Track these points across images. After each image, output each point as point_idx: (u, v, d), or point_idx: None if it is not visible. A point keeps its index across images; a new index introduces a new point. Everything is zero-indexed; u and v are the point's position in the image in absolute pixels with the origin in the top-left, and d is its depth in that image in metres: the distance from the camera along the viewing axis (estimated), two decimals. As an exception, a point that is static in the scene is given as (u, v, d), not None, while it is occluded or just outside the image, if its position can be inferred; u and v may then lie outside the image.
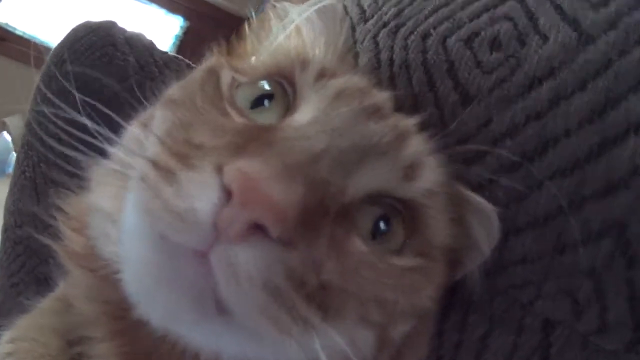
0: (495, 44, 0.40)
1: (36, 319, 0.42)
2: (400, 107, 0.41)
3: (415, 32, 0.45)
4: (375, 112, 0.36)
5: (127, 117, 0.38)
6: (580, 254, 0.35)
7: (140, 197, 0.29)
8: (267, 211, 0.26)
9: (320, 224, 0.29)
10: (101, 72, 0.57)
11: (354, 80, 0.39)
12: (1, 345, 0.39)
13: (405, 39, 0.45)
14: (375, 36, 0.47)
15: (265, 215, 0.26)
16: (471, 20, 0.42)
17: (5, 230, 0.66)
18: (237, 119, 0.35)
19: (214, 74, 0.39)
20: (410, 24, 0.46)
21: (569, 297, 0.36)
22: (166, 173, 0.29)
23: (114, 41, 0.62)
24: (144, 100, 0.41)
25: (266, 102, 0.37)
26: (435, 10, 0.45)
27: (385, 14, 0.48)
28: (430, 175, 0.35)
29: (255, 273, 0.27)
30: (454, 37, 0.42)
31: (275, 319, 0.28)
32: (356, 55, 0.46)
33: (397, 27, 0.46)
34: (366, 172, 0.33)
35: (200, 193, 0.27)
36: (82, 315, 0.38)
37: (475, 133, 0.39)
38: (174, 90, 0.40)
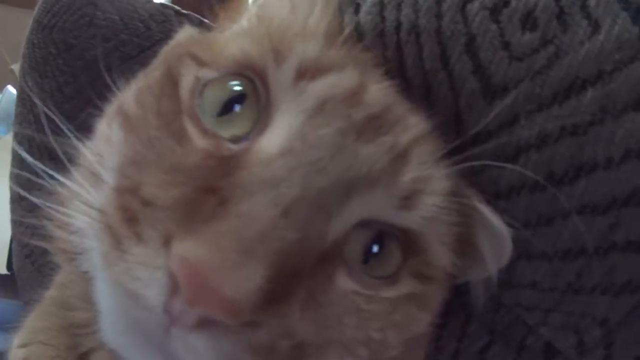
0: (529, 20, 0.30)
1: (40, 322, 0.40)
2: (409, 89, 0.33)
3: None
4: (368, 127, 0.28)
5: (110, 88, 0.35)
6: (597, 302, 0.30)
7: (101, 252, 0.27)
8: (217, 309, 0.23)
9: (292, 288, 0.25)
10: (83, 35, 0.52)
11: (344, 79, 0.29)
12: (14, 351, 0.39)
13: None
14: None
15: (217, 312, 0.23)
16: None
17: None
18: (199, 143, 0.28)
19: (171, 78, 0.31)
20: None
21: (575, 335, 0.32)
22: (116, 241, 0.26)
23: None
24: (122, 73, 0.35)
25: (237, 106, 0.29)
26: None
27: None
28: (432, 199, 0.29)
29: (216, 357, 0.24)
30: (476, 3, 0.32)
31: None
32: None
33: None
34: (353, 207, 0.27)
35: (148, 278, 0.24)
36: (77, 318, 0.36)
37: (496, 132, 0.31)
38: (130, 97, 0.32)
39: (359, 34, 0.35)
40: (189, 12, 0.52)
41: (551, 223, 0.30)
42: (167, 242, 0.24)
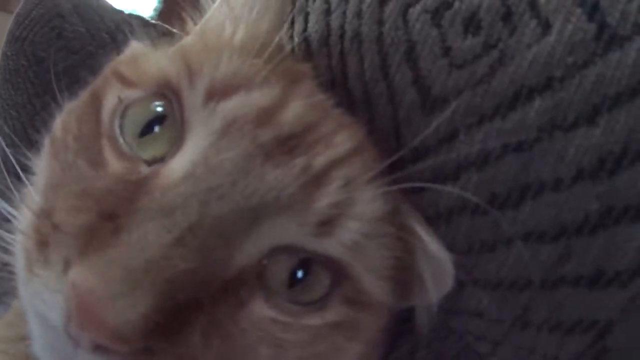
0: (472, 23, 0.27)
1: (2, 331, 0.41)
2: (350, 101, 0.30)
3: None
4: (278, 149, 0.26)
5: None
6: (545, 340, 0.26)
7: (18, 272, 0.28)
8: (102, 336, 0.23)
9: (191, 316, 0.24)
10: (52, 47, 0.53)
11: (257, 97, 0.27)
12: None
13: (361, 1, 0.32)
14: None
15: (102, 339, 0.23)
16: None
17: None
18: (113, 167, 0.28)
19: (95, 100, 0.31)
20: None
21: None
22: (29, 263, 0.27)
23: (61, 11, 0.55)
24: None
25: (156, 127, 0.29)
26: None
27: None
28: (356, 225, 0.26)
29: None
30: (418, 6, 0.29)
31: None
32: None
33: None
34: (263, 234, 0.26)
35: (50, 301, 0.25)
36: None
37: (435, 148, 0.28)
38: (59, 118, 0.33)
39: (306, 43, 0.33)
40: (157, 22, 0.51)
41: (493, 250, 0.27)
42: (66, 267, 0.25)
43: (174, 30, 0.50)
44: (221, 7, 0.35)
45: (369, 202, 0.26)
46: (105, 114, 0.30)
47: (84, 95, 0.33)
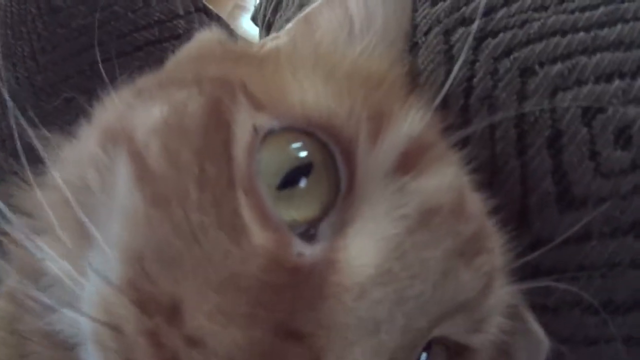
0: (623, 136, 0.27)
1: None
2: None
3: (512, 56, 0.29)
4: (470, 246, 0.23)
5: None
6: None
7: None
8: None
9: None
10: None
11: (449, 180, 0.22)
12: None
13: (495, 58, 0.30)
14: (447, 32, 0.31)
15: None
16: (599, 81, 0.27)
17: None
18: (259, 238, 0.19)
19: (220, 124, 0.21)
20: (504, 38, 0.29)
21: None
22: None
23: None
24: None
25: (302, 181, 0.21)
26: (550, 32, 0.29)
27: (467, 3, 0.30)
28: (497, 320, 0.25)
29: None
30: (569, 94, 0.28)
31: None
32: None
33: (485, 36, 0.30)
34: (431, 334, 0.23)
35: None
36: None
37: (562, 245, 0.27)
38: (147, 128, 0.22)
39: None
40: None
41: (594, 344, 0.29)
42: None
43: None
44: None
45: (507, 295, 0.26)
46: (240, 150, 0.20)
47: (194, 106, 0.22)
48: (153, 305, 0.18)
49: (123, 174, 0.21)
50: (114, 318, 0.18)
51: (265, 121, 0.21)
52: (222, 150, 0.20)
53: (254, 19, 0.52)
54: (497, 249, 0.25)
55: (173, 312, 0.18)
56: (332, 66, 0.25)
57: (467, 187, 0.25)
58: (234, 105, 0.21)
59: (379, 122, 0.22)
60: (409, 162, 0.22)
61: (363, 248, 0.20)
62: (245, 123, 0.21)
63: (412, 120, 0.22)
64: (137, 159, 0.21)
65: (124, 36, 0.39)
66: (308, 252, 0.20)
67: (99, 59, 0.28)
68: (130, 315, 0.18)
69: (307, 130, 0.21)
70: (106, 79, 0.26)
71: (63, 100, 0.29)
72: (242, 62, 0.27)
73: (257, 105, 0.22)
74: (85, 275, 0.20)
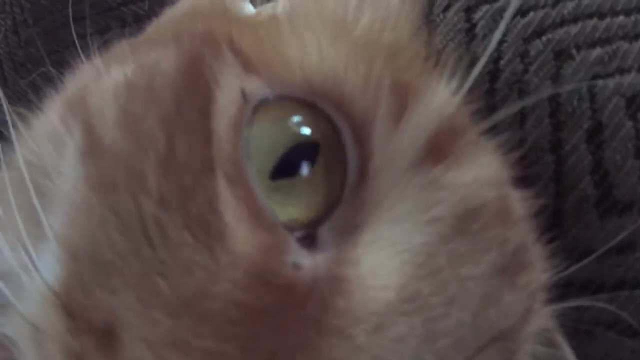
0: None
1: None
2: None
3: (544, 37, 0.25)
4: (513, 261, 0.18)
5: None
6: None
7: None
8: None
9: None
10: None
11: (489, 168, 0.18)
12: None
13: (525, 39, 0.26)
14: (469, 9, 0.27)
15: None
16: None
17: None
18: (242, 244, 0.15)
19: (197, 86, 0.16)
20: (535, 17, 0.26)
21: None
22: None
23: None
24: None
25: (304, 167, 0.16)
26: (586, 14, 0.25)
27: None
28: (529, 347, 0.21)
29: None
30: (611, 82, 0.24)
31: None
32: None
33: (513, 14, 0.26)
34: None
35: None
36: None
37: (601, 255, 0.23)
38: (107, 94, 0.17)
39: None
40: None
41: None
42: None
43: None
44: None
45: (543, 318, 0.22)
46: (222, 123, 0.16)
47: (161, 62, 0.17)
48: (82, 322, 0.14)
49: (70, 147, 0.17)
50: (42, 324, 0.15)
51: (257, 87, 0.17)
52: (198, 122, 0.16)
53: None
54: (538, 263, 0.20)
55: (106, 335, 0.14)
56: (342, 27, 0.20)
57: (509, 183, 0.20)
58: (218, 63, 0.17)
59: (403, 96, 0.17)
60: (441, 148, 0.17)
61: (380, 262, 0.15)
62: (231, 87, 0.16)
63: (443, 96, 0.18)
64: (87, 129, 0.16)
65: (110, 9, 0.35)
66: (307, 262, 0.15)
67: (74, 34, 0.23)
68: (56, 328, 0.14)
69: (308, 100, 0.17)
70: (82, 55, 0.22)
71: (41, 74, 0.26)
72: (233, 18, 0.23)
73: (248, 65, 0.17)
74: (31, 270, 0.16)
